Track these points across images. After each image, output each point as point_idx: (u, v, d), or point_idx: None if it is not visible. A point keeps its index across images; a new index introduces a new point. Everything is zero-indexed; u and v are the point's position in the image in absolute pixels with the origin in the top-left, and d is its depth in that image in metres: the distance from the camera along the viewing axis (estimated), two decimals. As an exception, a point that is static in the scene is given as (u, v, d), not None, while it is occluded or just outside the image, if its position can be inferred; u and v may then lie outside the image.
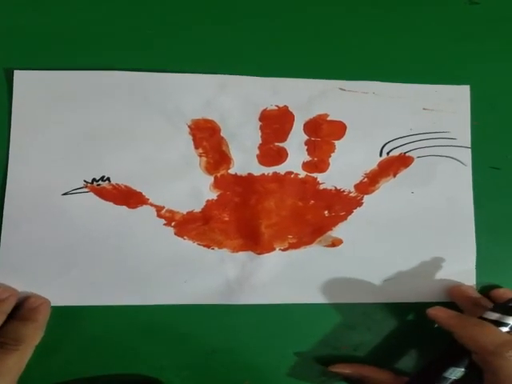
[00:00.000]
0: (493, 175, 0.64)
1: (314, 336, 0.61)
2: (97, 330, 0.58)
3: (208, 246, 0.60)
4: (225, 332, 0.60)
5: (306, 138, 0.62)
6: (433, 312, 0.56)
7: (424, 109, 0.64)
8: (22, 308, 0.55)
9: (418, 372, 0.55)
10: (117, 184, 0.59)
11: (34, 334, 0.53)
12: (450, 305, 0.58)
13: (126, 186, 0.59)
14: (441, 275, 0.62)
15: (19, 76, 0.60)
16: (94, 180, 0.59)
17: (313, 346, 0.61)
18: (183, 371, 0.59)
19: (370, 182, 0.62)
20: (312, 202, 0.62)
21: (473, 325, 0.52)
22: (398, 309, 0.62)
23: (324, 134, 0.62)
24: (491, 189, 0.64)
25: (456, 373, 0.51)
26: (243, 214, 0.61)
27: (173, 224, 0.60)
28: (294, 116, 0.62)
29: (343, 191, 0.62)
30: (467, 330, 0.52)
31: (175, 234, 0.60)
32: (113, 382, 0.58)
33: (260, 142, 0.62)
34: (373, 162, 0.63)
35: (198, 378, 0.59)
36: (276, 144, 0.62)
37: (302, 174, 0.62)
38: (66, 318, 0.57)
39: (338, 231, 0.62)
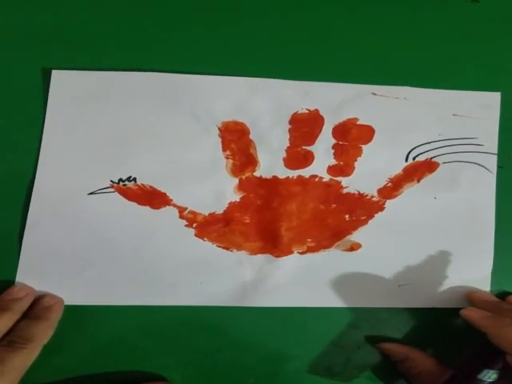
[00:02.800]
0: (502, 174, 0.63)
1: (318, 335, 0.61)
2: (104, 328, 0.59)
3: (227, 248, 0.60)
4: (230, 331, 0.60)
5: (333, 141, 0.61)
6: (466, 313, 0.56)
7: (454, 115, 0.63)
8: (35, 307, 0.55)
9: (451, 375, 0.55)
10: (142, 184, 0.59)
11: (43, 334, 0.53)
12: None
13: (151, 187, 0.59)
14: (456, 282, 0.62)
15: (56, 75, 0.59)
16: (120, 180, 0.59)
17: (317, 345, 0.61)
18: (188, 369, 0.59)
19: (393, 187, 0.62)
20: (334, 205, 0.61)
21: (507, 325, 0.52)
22: (401, 309, 0.62)
23: (352, 138, 0.62)
24: (501, 188, 0.63)
25: (490, 375, 0.51)
26: (264, 217, 0.61)
27: (194, 225, 0.59)
28: (323, 120, 0.61)
29: (366, 195, 0.62)
30: (501, 330, 0.52)
31: (195, 235, 0.60)
32: (116, 379, 0.59)
33: (288, 145, 0.61)
34: (398, 167, 0.62)
35: (203, 377, 0.60)
36: (303, 147, 0.61)
37: (327, 177, 0.61)
38: (76, 316, 0.58)
39: (357, 235, 0.62)
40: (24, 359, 0.50)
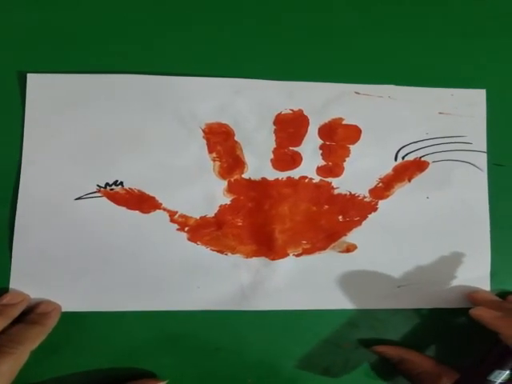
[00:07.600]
0: (497, 172, 0.63)
1: (317, 335, 0.60)
2: (102, 331, 0.58)
3: (221, 252, 0.59)
4: (229, 331, 0.59)
5: (320, 142, 0.61)
6: (477, 312, 0.55)
7: (440, 113, 0.63)
8: (32, 312, 0.55)
9: (461, 376, 0.54)
10: (130, 188, 0.58)
11: (35, 338, 0.52)
12: (464, 311, 0.58)
13: (139, 191, 0.59)
14: (455, 281, 0.61)
15: (32, 79, 0.59)
16: (107, 184, 0.58)
17: (316, 344, 0.60)
18: (187, 369, 0.59)
19: (384, 187, 0.62)
20: (326, 206, 0.61)
21: None
22: (401, 309, 0.61)
23: (339, 139, 0.61)
24: (496, 186, 0.63)
25: (501, 375, 0.50)
26: (257, 219, 0.60)
27: (186, 229, 0.59)
28: (308, 120, 0.61)
29: (358, 196, 0.61)
30: None
31: (188, 239, 0.59)
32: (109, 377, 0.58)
33: (274, 146, 0.61)
34: (388, 167, 0.62)
35: (202, 376, 0.59)
36: (290, 148, 0.61)
37: (317, 178, 0.61)
38: (72, 321, 0.57)
39: (352, 237, 0.61)
40: (12, 364, 0.49)
